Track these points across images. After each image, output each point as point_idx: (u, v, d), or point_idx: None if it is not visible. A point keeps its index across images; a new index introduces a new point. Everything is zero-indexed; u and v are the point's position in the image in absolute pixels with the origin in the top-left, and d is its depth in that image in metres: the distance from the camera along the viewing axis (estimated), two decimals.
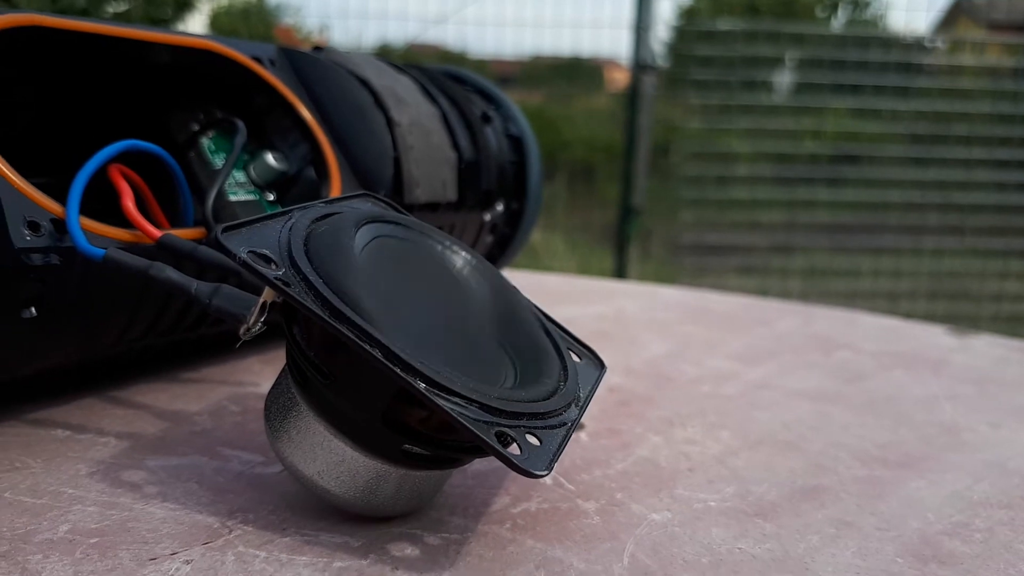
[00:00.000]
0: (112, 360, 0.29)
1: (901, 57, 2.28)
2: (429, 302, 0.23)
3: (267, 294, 0.20)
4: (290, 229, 0.21)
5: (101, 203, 0.25)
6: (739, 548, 0.21)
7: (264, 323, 0.21)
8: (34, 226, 0.22)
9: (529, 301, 0.24)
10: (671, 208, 2.29)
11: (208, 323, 0.29)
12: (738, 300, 0.52)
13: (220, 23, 2.75)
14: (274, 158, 0.33)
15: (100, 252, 0.22)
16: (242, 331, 0.21)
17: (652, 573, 0.20)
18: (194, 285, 0.21)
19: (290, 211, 0.22)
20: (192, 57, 0.31)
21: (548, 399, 0.21)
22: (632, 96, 2.10)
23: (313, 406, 0.20)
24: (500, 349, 0.23)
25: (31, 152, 0.27)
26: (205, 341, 0.32)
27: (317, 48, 0.36)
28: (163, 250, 0.24)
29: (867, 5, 3.05)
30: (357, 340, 0.18)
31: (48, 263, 0.22)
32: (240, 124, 0.28)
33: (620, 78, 2.93)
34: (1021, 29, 2.37)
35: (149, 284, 0.22)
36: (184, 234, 0.26)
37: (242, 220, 0.20)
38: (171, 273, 0.22)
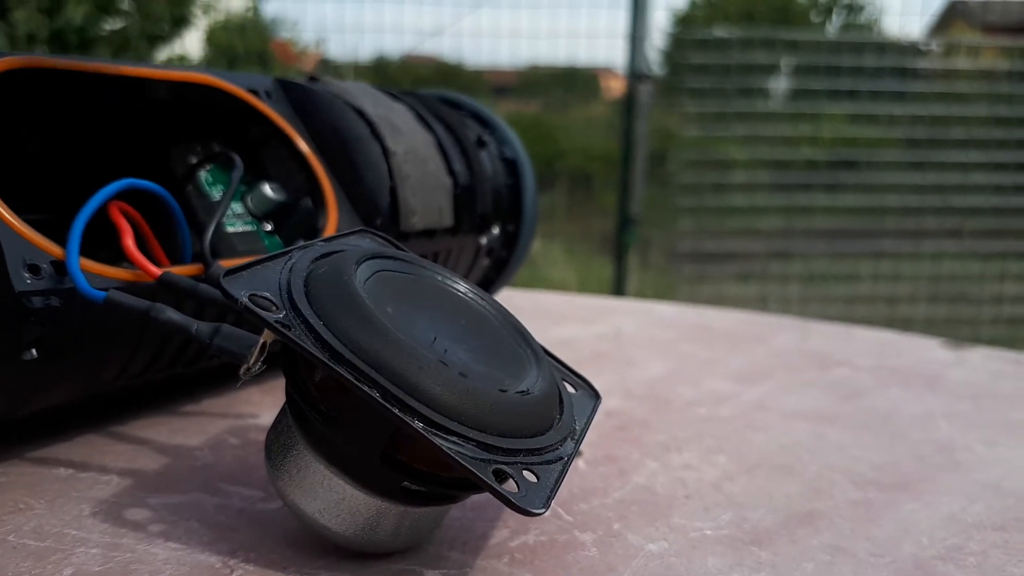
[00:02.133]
0: (112, 396, 0.29)
1: (896, 61, 2.29)
2: (440, 315, 0.23)
3: (267, 335, 0.20)
4: (290, 270, 0.21)
5: (100, 237, 0.25)
6: None
7: (264, 362, 0.21)
8: (34, 269, 0.22)
9: (526, 330, 0.25)
10: (669, 216, 2.29)
11: (208, 358, 0.29)
12: (735, 316, 0.53)
13: (217, 38, 2.75)
14: (271, 189, 0.33)
15: (101, 295, 0.22)
16: (242, 371, 0.21)
17: None
18: (195, 326, 0.22)
19: (290, 252, 0.22)
20: (190, 91, 0.32)
21: (544, 433, 0.21)
22: (628, 104, 2.10)
23: (312, 445, 0.20)
24: (519, 348, 0.23)
25: (30, 188, 0.28)
26: (205, 373, 0.33)
27: (313, 79, 0.36)
28: (164, 288, 0.24)
29: (861, 9, 3.06)
30: (355, 381, 0.18)
31: (48, 305, 0.22)
32: (237, 159, 0.29)
33: (616, 86, 2.94)
34: (1016, 31, 2.37)
35: (150, 324, 0.22)
36: (183, 271, 0.26)
37: (243, 263, 0.20)
38: (172, 314, 0.22)
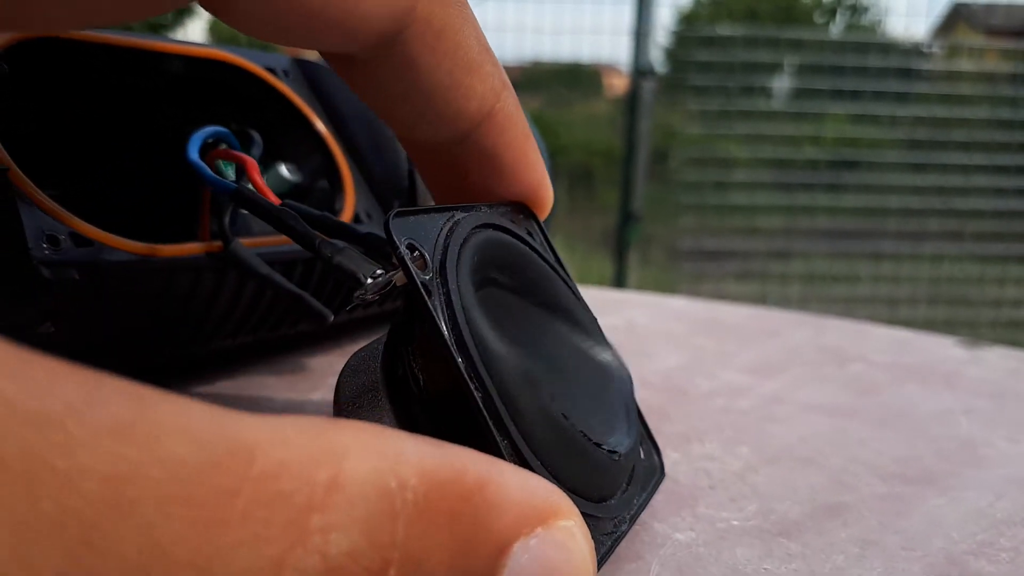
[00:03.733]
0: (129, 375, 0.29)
1: (900, 63, 2.29)
2: (561, 340, 0.21)
3: (399, 279, 0.19)
4: (450, 231, 0.19)
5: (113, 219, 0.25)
6: (765, 568, 0.21)
7: (380, 296, 0.20)
8: (53, 240, 0.22)
9: (629, 380, 0.23)
10: (670, 214, 2.29)
11: (224, 336, 0.29)
12: (748, 311, 0.52)
13: (220, 28, 2.75)
14: (287, 170, 0.33)
15: (232, 185, 0.22)
16: (357, 294, 0.20)
17: None
18: (318, 239, 0.20)
19: (453, 210, 0.20)
20: (205, 68, 0.31)
21: (607, 501, 0.20)
22: (632, 101, 2.10)
23: (393, 402, 0.19)
24: (618, 399, 0.22)
25: (43, 163, 0.27)
26: (221, 355, 0.32)
27: None
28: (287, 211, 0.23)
29: (865, 11, 3.06)
30: (465, 374, 0.17)
31: (67, 277, 0.22)
32: (256, 136, 0.28)
33: (619, 84, 2.94)
34: (1019, 35, 2.37)
35: (276, 226, 0.21)
36: (200, 247, 0.25)
37: (415, 208, 0.19)
38: (297, 223, 0.21)
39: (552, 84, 2.99)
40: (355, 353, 0.21)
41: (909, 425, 0.32)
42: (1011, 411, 0.34)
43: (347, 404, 0.19)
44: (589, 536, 0.14)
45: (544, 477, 0.17)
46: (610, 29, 2.44)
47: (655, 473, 0.23)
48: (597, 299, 0.54)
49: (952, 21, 2.93)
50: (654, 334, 0.45)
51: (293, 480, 0.11)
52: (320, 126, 0.33)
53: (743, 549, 0.22)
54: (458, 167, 0.22)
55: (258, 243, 0.27)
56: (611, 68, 3.02)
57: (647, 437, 0.24)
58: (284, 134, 0.33)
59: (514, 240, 0.22)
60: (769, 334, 0.46)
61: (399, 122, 0.21)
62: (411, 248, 0.17)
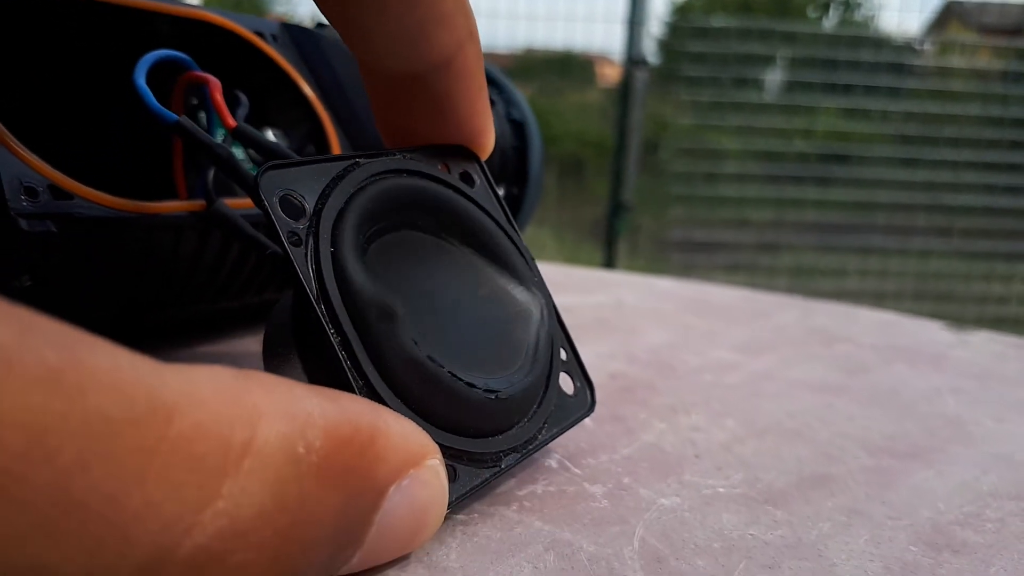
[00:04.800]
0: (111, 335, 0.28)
1: (892, 58, 2.29)
2: (464, 284, 0.22)
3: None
4: (338, 180, 0.20)
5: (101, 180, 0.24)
6: (751, 534, 0.21)
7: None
8: (31, 191, 0.21)
9: (552, 320, 0.24)
10: (660, 204, 2.29)
11: (207, 299, 0.28)
12: (736, 292, 0.52)
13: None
14: (275, 135, 0.32)
15: (173, 116, 0.21)
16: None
17: (664, 557, 0.19)
18: (252, 178, 0.20)
19: (357, 157, 0.21)
20: (192, 30, 0.31)
21: (495, 435, 0.20)
22: (624, 91, 2.10)
23: (297, 343, 0.20)
24: (526, 340, 0.22)
25: (24, 120, 0.27)
26: (199, 319, 0.32)
27: (321, 25, 0.35)
28: (239, 137, 0.23)
29: (858, 6, 3.06)
30: (325, 320, 0.18)
31: (44, 230, 0.21)
32: (243, 97, 0.27)
33: (610, 74, 2.93)
34: (1012, 33, 2.38)
35: (214, 162, 0.21)
36: (183, 206, 0.25)
37: (297, 159, 0.19)
38: (236, 160, 0.21)
39: (545, 73, 2.98)
40: (286, 292, 0.21)
41: (897, 403, 0.32)
42: (997, 392, 0.34)
43: (268, 342, 0.20)
44: (445, 474, 0.17)
45: (406, 416, 0.18)
46: (604, 17, 2.44)
47: (581, 409, 0.24)
48: (586, 278, 0.54)
49: (945, 18, 2.94)
50: (642, 312, 0.44)
51: (208, 443, 0.11)
52: (308, 91, 0.32)
53: (729, 515, 0.21)
54: (410, 106, 0.23)
55: (243, 204, 0.27)
56: (603, 58, 3.01)
57: (581, 375, 0.24)
58: (272, 99, 0.33)
59: (431, 184, 0.22)
60: (757, 315, 0.46)
61: (359, 49, 0.22)
62: (287, 199, 0.18)
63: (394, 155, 0.22)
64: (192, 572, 0.11)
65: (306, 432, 0.12)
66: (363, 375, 0.18)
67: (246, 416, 0.12)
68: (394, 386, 0.18)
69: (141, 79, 0.22)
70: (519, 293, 0.23)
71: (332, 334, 0.18)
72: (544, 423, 0.22)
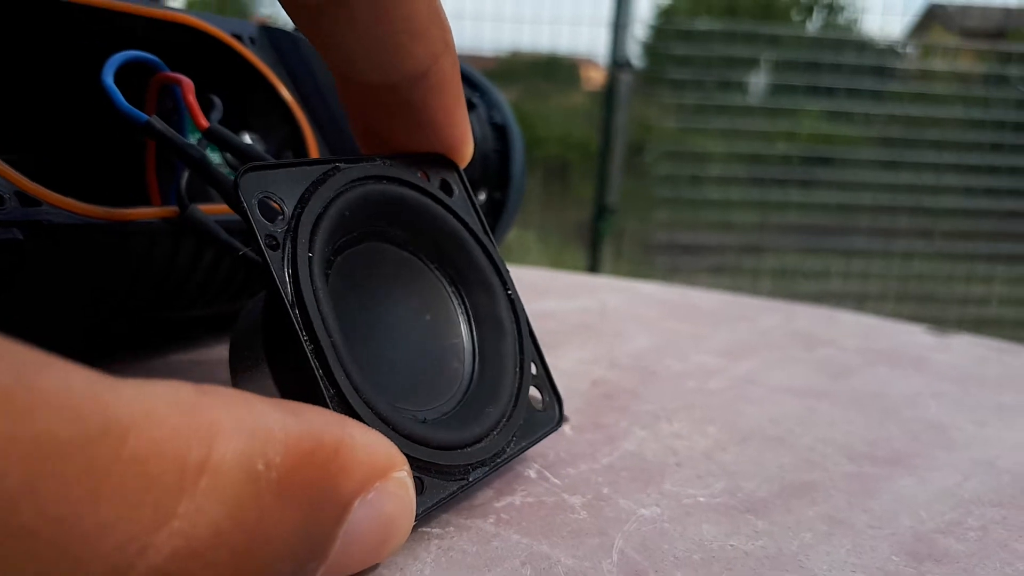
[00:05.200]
0: (78, 348, 0.28)
1: (875, 61, 2.30)
2: (422, 300, 0.22)
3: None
4: (317, 184, 0.19)
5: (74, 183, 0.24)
6: (731, 545, 0.20)
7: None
8: None
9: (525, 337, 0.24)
10: (645, 207, 2.29)
11: (180, 306, 0.28)
12: (719, 297, 0.52)
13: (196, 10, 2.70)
14: (252, 140, 0.32)
15: (143, 116, 0.21)
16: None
17: (643, 571, 0.19)
18: (227, 180, 0.20)
19: (337, 162, 0.20)
20: (169, 32, 0.30)
21: (463, 448, 0.20)
22: (609, 94, 2.10)
23: (266, 348, 0.19)
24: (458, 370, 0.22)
25: None
26: (172, 326, 0.31)
27: None
28: (212, 138, 0.23)
29: (841, 9, 3.07)
30: (298, 326, 0.17)
31: (10, 238, 0.21)
32: (216, 100, 0.27)
33: (595, 77, 2.93)
34: (993, 36, 2.40)
35: (186, 163, 0.21)
36: (155, 212, 0.25)
37: (276, 161, 0.19)
38: (208, 161, 0.21)
39: (530, 76, 2.97)
40: (254, 297, 0.21)
41: (879, 407, 0.32)
42: (978, 396, 0.34)
43: (235, 345, 0.20)
44: (412, 486, 0.16)
45: (376, 427, 0.17)
46: (589, 20, 2.44)
47: (548, 424, 0.24)
48: (571, 283, 0.54)
49: (927, 22, 2.96)
50: (626, 317, 0.44)
51: (163, 462, 0.11)
52: (286, 95, 0.32)
53: (709, 526, 0.21)
54: (387, 116, 0.23)
55: (217, 210, 0.26)
56: (588, 61, 3.01)
57: (550, 390, 0.24)
58: (250, 103, 0.32)
59: (409, 192, 0.22)
60: (740, 319, 0.45)
61: (333, 61, 0.22)
62: (265, 202, 0.18)
63: (374, 161, 0.21)
64: None
65: (266, 449, 0.12)
66: (334, 384, 0.17)
67: (203, 433, 0.11)
68: (364, 397, 0.18)
69: (109, 78, 0.21)
70: (463, 324, 0.23)
71: (305, 341, 0.17)
72: (512, 436, 0.22)
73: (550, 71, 3.12)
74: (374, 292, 0.21)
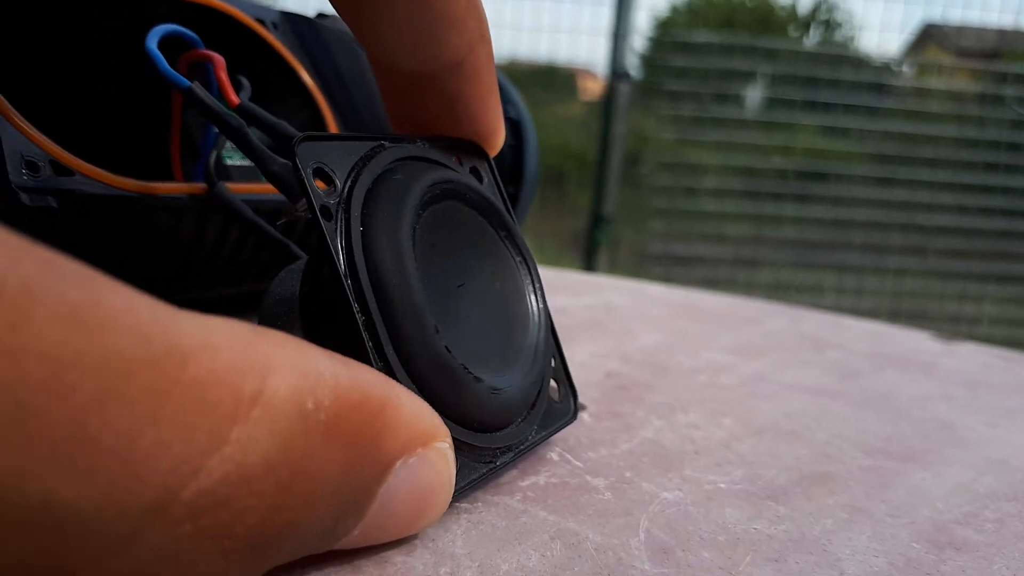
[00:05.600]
0: None
1: (871, 78, 2.32)
2: (478, 275, 0.22)
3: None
4: (367, 159, 0.20)
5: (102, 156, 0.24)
6: (755, 528, 0.20)
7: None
8: (32, 166, 0.21)
9: (549, 322, 0.24)
10: (640, 217, 2.30)
11: (205, 284, 0.28)
12: (724, 299, 0.52)
13: None
14: None
15: (186, 82, 0.21)
16: (285, 211, 0.20)
17: (670, 549, 0.19)
18: (263, 152, 0.21)
19: (382, 139, 0.20)
20: (192, 14, 0.30)
21: (490, 433, 0.20)
22: (607, 104, 2.10)
23: (303, 318, 0.19)
24: (526, 339, 0.22)
25: (23, 100, 0.26)
26: (196, 304, 0.31)
27: (322, 15, 0.35)
28: (242, 114, 0.23)
29: (839, 26, 3.09)
30: (351, 298, 0.17)
31: (44, 205, 0.21)
32: (244, 81, 0.27)
33: (593, 88, 2.94)
34: (988, 56, 2.42)
35: (225, 132, 0.21)
36: (184, 188, 0.25)
37: (330, 133, 0.19)
38: (247, 133, 0.21)
39: (528, 85, 2.98)
40: (286, 267, 0.21)
41: (890, 407, 0.32)
42: (986, 399, 0.34)
43: (267, 314, 0.20)
44: (454, 459, 0.17)
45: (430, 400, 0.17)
46: (589, 30, 2.45)
47: (565, 415, 0.24)
48: (576, 281, 0.54)
49: (924, 40, 2.98)
50: (633, 315, 0.44)
51: (220, 390, 0.11)
52: (308, 80, 0.32)
53: (732, 510, 0.21)
54: (421, 103, 0.23)
55: (242, 190, 0.26)
56: (585, 71, 3.03)
57: (566, 383, 0.24)
58: (271, 87, 0.33)
59: (454, 175, 0.22)
60: (747, 321, 0.46)
61: (370, 47, 0.22)
62: (319, 172, 0.18)
63: (415, 142, 0.22)
64: (195, 515, 0.11)
65: (316, 390, 0.12)
66: (383, 357, 0.17)
67: (258, 366, 0.12)
68: (411, 371, 0.18)
69: (153, 44, 0.21)
70: (529, 294, 0.23)
71: (357, 312, 0.17)
72: (535, 426, 0.22)
73: (548, 81, 3.13)
74: (458, 250, 0.21)
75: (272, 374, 0.12)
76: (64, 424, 0.09)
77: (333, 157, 0.18)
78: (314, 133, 0.18)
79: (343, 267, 0.17)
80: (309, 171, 0.17)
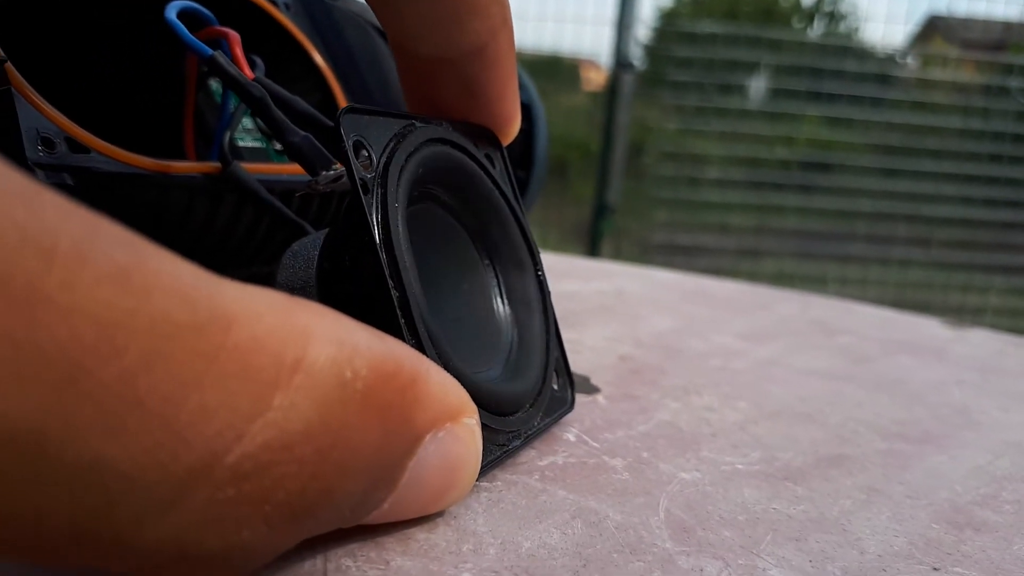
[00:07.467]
0: None
1: (876, 69, 2.31)
2: (455, 275, 0.22)
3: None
4: (401, 137, 0.20)
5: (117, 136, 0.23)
6: (774, 508, 0.20)
7: (328, 189, 0.20)
8: (48, 143, 0.21)
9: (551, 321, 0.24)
10: (643, 207, 2.29)
11: (219, 265, 0.28)
12: (734, 285, 0.52)
13: None
14: None
15: (208, 51, 0.21)
16: (309, 184, 0.20)
17: (690, 528, 0.19)
18: (283, 122, 0.21)
19: (413, 119, 0.21)
20: None
21: (507, 416, 0.20)
22: (611, 93, 2.10)
23: (320, 291, 0.19)
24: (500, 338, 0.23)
25: (38, 78, 0.26)
26: None
27: None
28: (257, 86, 0.22)
29: (843, 18, 3.08)
30: (388, 273, 0.17)
31: (60, 182, 0.21)
32: (259, 60, 0.27)
33: (596, 78, 2.93)
34: (993, 48, 2.41)
35: (246, 100, 0.21)
36: (199, 167, 0.24)
37: (372, 107, 0.19)
38: (269, 101, 0.21)
39: (532, 75, 2.97)
40: (299, 240, 0.21)
41: (904, 391, 0.32)
42: (999, 384, 0.34)
43: (282, 289, 0.20)
44: (480, 436, 0.17)
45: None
46: (593, 19, 2.44)
47: (564, 404, 0.24)
48: (586, 267, 0.54)
49: (929, 32, 2.97)
50: (644, 300, 0.44)
51: (262, 356, 0.11)
52: (319, 61, 0.32)
53: (750, 490, 0.21)
54: (440, 88, 0.23)
55: (257, 169, 0.26)
56: (589, 62, 3.02)
57: (565, 372, 0.25)
58: (283, 68, 0.32)
59: (468, 160, 0.22)
60: (757, 307, 0.46)
61: (393, 31, 0.22)
62: (358, 145, 0.18)
63: (440, 124, 0.22)
64: (237, 479, 0.11)
65: (353, 360, 0.12)
66: (415, 334, 0.17)
67: (298, 335, 0.12)
68: (438, 351, 0.18)
69: (173, 15, 0.21)
70: (497, 300, 0.23)
71: (392, 288, 0.17)
72: (540, 413, 0.22)
73: (552, 71, 3.12)
74: (426, 253, 0.21)
75: (312, 342, 0.12)
76: (113, 385, 0.09)
77: (371, 132, 0.18)
78: (356, 106, 0.18)
79: (379, 240, 0.17)
80: (350, 143, 0.17)
